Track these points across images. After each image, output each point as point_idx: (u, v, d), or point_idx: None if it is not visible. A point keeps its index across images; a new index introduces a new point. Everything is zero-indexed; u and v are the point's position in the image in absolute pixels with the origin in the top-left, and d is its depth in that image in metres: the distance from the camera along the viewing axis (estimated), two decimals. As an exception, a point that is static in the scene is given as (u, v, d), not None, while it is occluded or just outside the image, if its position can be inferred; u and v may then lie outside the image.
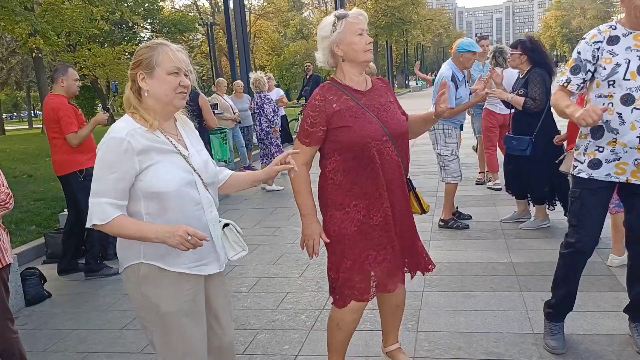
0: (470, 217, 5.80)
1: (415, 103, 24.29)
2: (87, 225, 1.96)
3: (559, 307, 3.08)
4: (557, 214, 5.27)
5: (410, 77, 63.16)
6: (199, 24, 41.78)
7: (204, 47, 44.25)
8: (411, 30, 55.99)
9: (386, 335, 2.95)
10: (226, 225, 2.25)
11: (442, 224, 5.62)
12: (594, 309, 3.46)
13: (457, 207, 5.86)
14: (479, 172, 7.71)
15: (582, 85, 2.82)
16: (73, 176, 4.81)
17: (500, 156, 6.67)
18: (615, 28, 2.77)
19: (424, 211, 2.71)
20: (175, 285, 2.02)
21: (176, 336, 2.05)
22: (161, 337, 2.07)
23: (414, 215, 2.69)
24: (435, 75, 6.00)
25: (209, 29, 33.40)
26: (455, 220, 5.61)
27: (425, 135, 5.73)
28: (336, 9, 27.14)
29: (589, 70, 2.78)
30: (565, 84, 2.83)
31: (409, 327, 3.45)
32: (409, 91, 48.18)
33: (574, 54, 2.84)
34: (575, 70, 2.80)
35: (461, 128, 5.67)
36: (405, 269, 2.70)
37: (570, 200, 2.97)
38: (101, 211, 1.91)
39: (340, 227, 2.51)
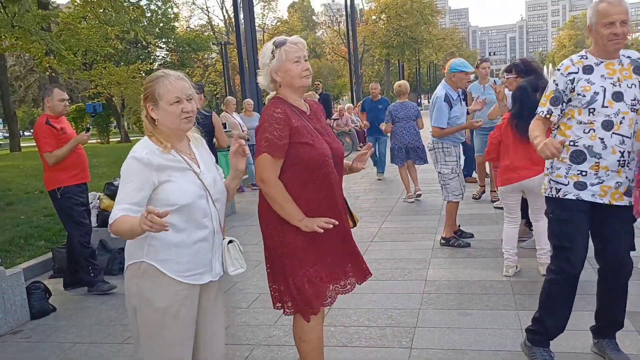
0: (472, 236, 5.82)
1: (426, 121, 24.13)
2: (109, 229, 2.13)
3: (550, 333, 3.05)
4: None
5: (422, 95, 63.34)
6: (213, 43, 42.40)
7: (218, 65, 44.83)
8: (423, 50, 56.28)
9: None
10: (230, 242, 2.42)
11: (444, 242, 5.65)
12: (586, 328, 3.46)
13: (459, 225, 5.89)
14: (480, 186, 7.80)
15: (561, 115, 2.93)
16: (52, 193, 4.92)
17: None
18: (587, 58, 2.90)
19: (354, 224, 2.84)
20: (169, 286, 2.19)
21: (162, 333, 2.20)
22: (147, 333, 2.21)
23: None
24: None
25: (223, 48, 33.90)
26: (456, 239, 5.63)
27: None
28: (347, 28, 27.47)
29: (564, 101, 2.91)
30: (548, 115, 2.94)
31: (403, 344, 3.48)
32: (421, 109, 48.12)
33: (552, 86, 2.94)
34: (555, 102, 2.92)
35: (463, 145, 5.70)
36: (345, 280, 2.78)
37: (555, 222, 2.98)
38: (112, 215, 2.10)
39: (294, 239, 2.55)
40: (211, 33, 47.57)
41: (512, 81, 5.07)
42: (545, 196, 3.05)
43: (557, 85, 2.91)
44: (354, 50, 26.25)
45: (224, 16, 48.78)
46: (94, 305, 4.76)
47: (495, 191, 7.39)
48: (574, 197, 2.90)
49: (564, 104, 2.91)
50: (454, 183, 5.52)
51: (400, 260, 5.26)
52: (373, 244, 5.92)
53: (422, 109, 53.03)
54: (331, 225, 2.49)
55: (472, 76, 5.62)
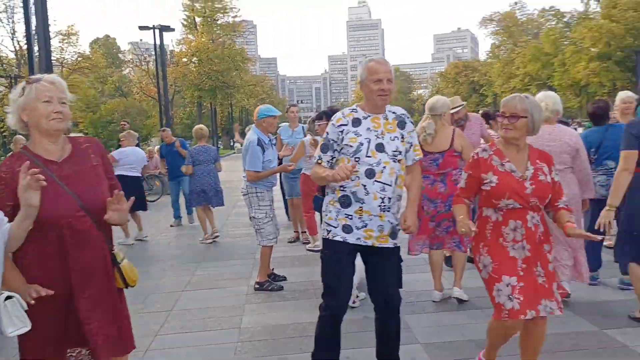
0: (285, 279, 5.90)
1: (240, 164, 24.41)
2: None
3: None
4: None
5: (234, 139, 64.11)
6: (1, 76, 38.05)
7: (5, 100, 40.21)
8: (235, 94, 57.34)
9: None
10: (9, 297, 2.09)
11: (258, 286, 5.63)
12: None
13: (272, 269, 5.94)
14: (294, 231, 8.02)
15: (332, 161, 3.20)
16: None
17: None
18: (357, 111, 3.21)
19: (127, 285, 2.54)
20: None
21: None
22: None
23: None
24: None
25: (13, 81, 30.63)
26: (270, 282, 5.65)
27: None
28: (157, 69, 26.85)
29: (336, 149, 3.17)
30: (320, 161, 3.21)
31: (218, 399, 3.31)
32: (234, 153, 48.73)
33: (325, 135, 3.23)
34: (324, 149, 3.20)
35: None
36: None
37: (325, 262, 3.21)
38: None
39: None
40: (-1, 64, 42.68)
41: (324, 127, 5.38)
42: (322, 236, 3.27)
43: (327, 134, 3.19)
44: (164, 90, 25.69)
45: (14, 47, 44.19)
46: None
47: (305, 232, 7.64)
48: (341, 239, 3.13)
49: (335, 151, 3.17)
50: (268, 227, 5.57)
51: (214, 309, 5.09)
52: (185, 294, 5.66)
53: (234, 152, 53.00)
54: (32, 302, 2.17)
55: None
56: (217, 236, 8.47)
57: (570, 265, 4.49)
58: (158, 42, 25.32)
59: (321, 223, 3.44)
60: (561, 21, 60.46)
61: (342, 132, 3.12)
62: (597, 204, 4.96)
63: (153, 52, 35.38)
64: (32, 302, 2.17)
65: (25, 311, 2.16)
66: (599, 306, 4.53)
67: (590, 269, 5.06)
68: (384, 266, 3.20)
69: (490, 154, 2.98)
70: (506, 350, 3.25)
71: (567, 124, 5.96)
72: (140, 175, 9.06)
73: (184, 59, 53.54)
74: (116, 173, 2.91)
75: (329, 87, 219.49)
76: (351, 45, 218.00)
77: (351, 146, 3.08)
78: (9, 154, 2.32)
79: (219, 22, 56.02)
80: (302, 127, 8.03)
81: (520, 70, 60.88)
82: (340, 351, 3.87)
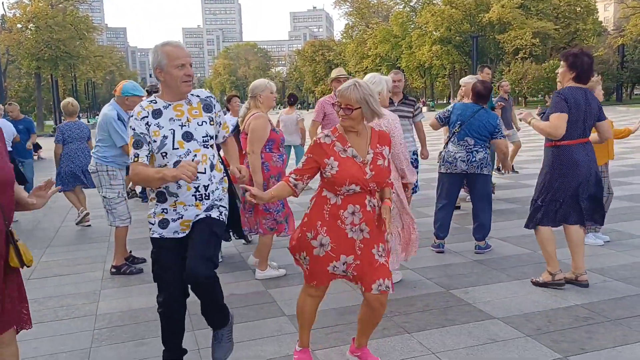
0: (144, 261, 5.65)
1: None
2: None
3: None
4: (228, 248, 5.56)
5: (81, 115, 59.47)
6: None
7: None
8: (80, 66, 53.07)
9: None
10: None
11: (115, 270, 5.34)
12: (258, 336, 3.73)
13: (130, 251, 5.66)
14: None
15: (149, 155, 2.93)
16: None
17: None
18: (156, 102, 3.00)
19: (23, 264, 2.42)
20: None
21: None
22: None
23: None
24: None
25: None
26: (128, 266, 5.39)
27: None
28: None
29: (149, 142, 2.93)
30: (136, 159, 2.91)
31: (75, 392, 3.11)
32: (80, 129, 45.12)
33: (130, 132, 2.96)
34: (138, 145, 2.92)
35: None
36: None
37: (152, 260, 3.12)
38: None
39: None
40: None
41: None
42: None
43: (134, 129, 2.94)
44: (-5, 60, 22.97)
45: None
46: None
47: None
48: (157, 236, 3.04)
49: (149, 144, 2.93)
50: (120, 207, 5.29)
51: (66, 296, 4.74)
52: (31, 282, 5.18)
53: (81, 129, 49.55)
54: None
55: None
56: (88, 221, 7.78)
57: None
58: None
59: None
60: (408, 5, 64.36)
61: (147, 124, 2.92)
62: (458, 177, 5.41)
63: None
64: None
65: None
66: (444, 270, 4.98)
67: (440, 237, 5.56)
68: (194, 236, 2.99)
69: (333, 140, 2.95)
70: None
71: (413, 101, 6.31)
72: (12, 149, 8.42)
73: (19, 25, 48.24)
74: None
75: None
76: (207, 18, 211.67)
77: (155, 141, 2.91)
78: None
79: (59, -15, 51.13)
80: None
81: (372, 51, 63.87)
82: (206, 331, 3.84)
